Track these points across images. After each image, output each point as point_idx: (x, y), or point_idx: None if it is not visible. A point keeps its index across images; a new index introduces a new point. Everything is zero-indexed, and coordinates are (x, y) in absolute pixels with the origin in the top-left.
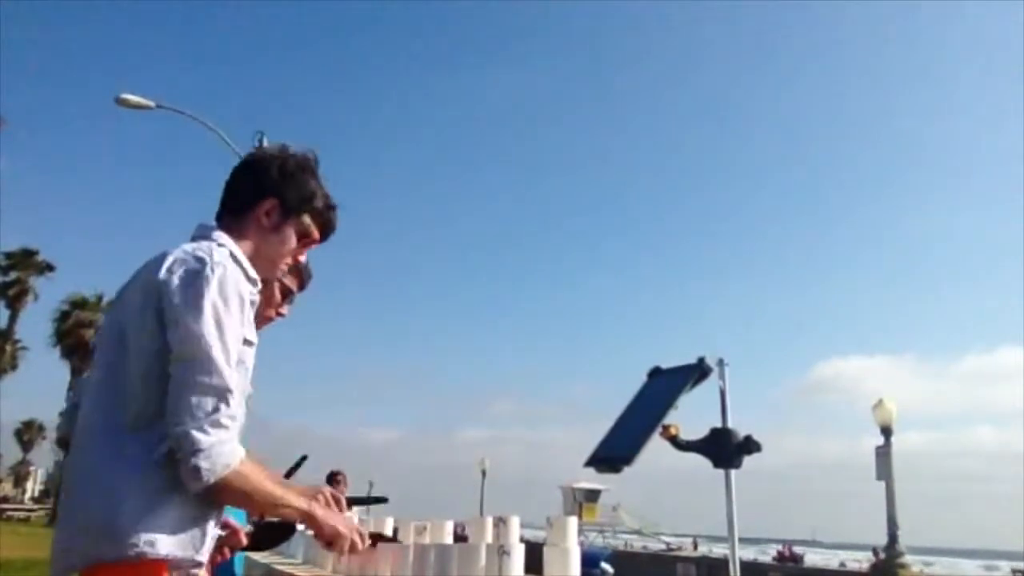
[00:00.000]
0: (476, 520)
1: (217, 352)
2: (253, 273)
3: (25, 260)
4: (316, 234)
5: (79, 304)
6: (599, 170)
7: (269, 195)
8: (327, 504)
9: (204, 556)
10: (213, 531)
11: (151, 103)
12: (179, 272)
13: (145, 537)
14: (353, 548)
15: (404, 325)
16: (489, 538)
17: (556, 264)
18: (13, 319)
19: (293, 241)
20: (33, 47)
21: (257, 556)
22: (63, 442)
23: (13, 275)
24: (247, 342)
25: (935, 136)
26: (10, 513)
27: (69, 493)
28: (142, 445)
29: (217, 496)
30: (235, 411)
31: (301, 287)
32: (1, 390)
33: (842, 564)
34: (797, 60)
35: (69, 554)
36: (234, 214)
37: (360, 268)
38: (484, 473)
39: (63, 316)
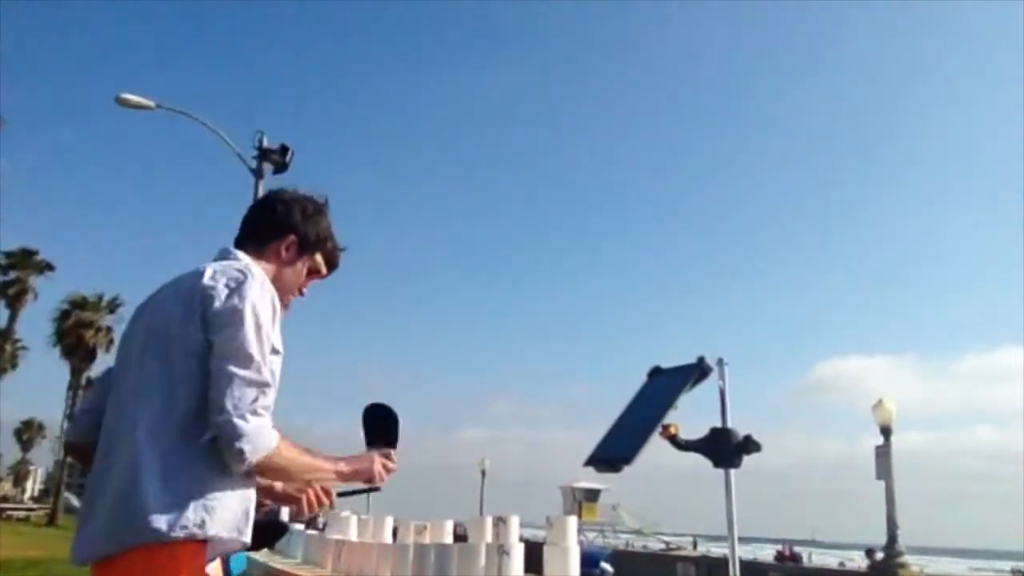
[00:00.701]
0: (476, 520)
1: (256, 350)
2: (275, 293)
3: (25, 260)
4: (324, 271)
5: (79, 304)
6: (599, 170)
7: (291, 232)
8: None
9: (247, 536)
10: (252, 513)
11: (151, 103)
12: (223, 280)
13: (194, 519)
14: (387, 473)
15: (404, 325)
16: (489, 538)
17: (556, 264)
18: (13, 319)
19: (303, 274)
20: (33, 47)
21: (257, 556)
22: (73, 448)
23: (13, 275)
24: (275, 351)
25: (936, 137)
26: (10, 513)
27: (105, 490)
28: (191, 441)
29: (260, 474)
30: (270, 402)
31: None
32: (1, 390)
33: (841, 564)
34: (798, 60)
35: (103, 539)
36: (256, 244)
37: (360, 268)
38: (484, 473)
39: (63, 316)
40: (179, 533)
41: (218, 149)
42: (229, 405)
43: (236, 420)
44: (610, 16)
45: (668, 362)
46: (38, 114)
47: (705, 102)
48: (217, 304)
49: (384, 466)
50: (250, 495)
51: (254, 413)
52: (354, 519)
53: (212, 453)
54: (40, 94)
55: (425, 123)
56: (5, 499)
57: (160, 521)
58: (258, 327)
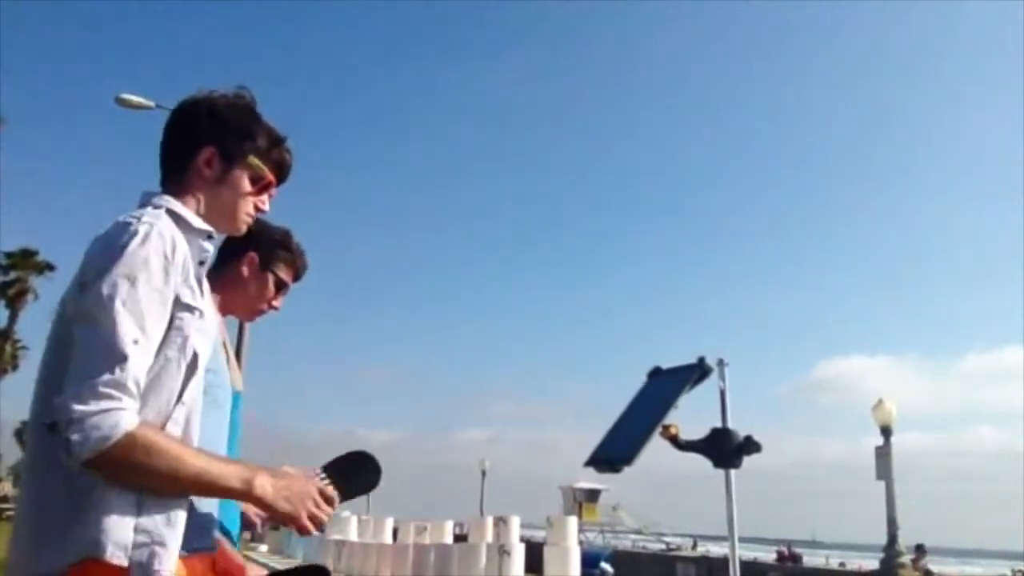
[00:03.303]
0: (476, 520)
1: (117, 314)
2: (201, 224)
3: (25, 260)
4: (270, 176)
5: None
6: (600, 170)
7: (205, 144)
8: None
9: (169, 559)
10: (179, 527)
11: (151, 103)
12: (102, 239)
13: (90, 539)
14: (316, 523)
15: (404, 325)
16: (489, 538)
17: (556, 264)
18: (13, 319)
19: (245, 186)
20: (33, 47)
21: (257, 556)
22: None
23: (13, 275)
24: (186, 307)
25: (938, 137)
26: (10, 513)
27: (19, 499)
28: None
29: (106, 473)
30: (128, 379)
31: (296, 278)
32: (1, 390)
33: (841, 564)
34: (800, 59)
35: (16, 568)
36: (175, 174)
37: (360, 268)
38: (484, 473)
39: None
40: (72, 558)
41: None
42: (70, 383)
43: (69, 402)
44: (611, 15)
45: (668, 362)
46: (38, 114)
47: (707, 100)
48: (90, 266)
49: (320, 510)
50: (171, 504)
51: (94, 393)
52: (354, 519)
53: (49, 440)
54: (40, 94)
55: (425, 122)
56: (5, 499)
57: (47, 545)
58: (130, 283)
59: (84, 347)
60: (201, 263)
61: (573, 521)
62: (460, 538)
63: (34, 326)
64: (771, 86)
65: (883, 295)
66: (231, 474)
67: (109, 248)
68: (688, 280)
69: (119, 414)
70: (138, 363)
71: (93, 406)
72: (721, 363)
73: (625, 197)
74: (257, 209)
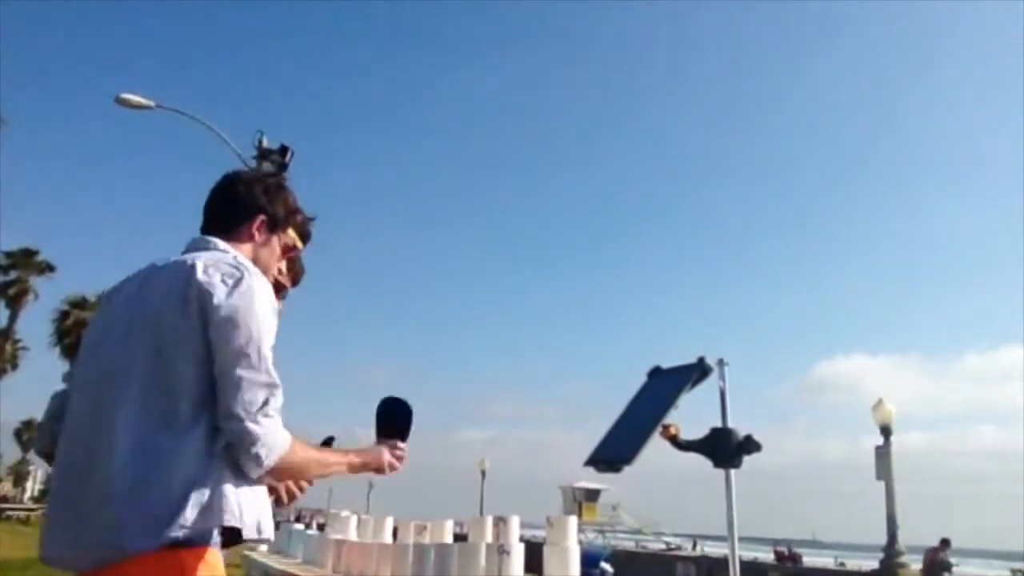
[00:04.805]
0: (476, 520)
1: (266, 350)
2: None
3: (25, 260)
4: (300, 245)
5: (79, 304)
6: (601, 170)
7: (259, 211)
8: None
9: (268, 533)
10: (269, 512)
11: (151, 103)
12: (218, 276)
13: (195, 520)
14: (397, 463)
15: (404, 325)
16: (489, 538)
17: (556, 265)
18: (13, 319)
19: (279, 252)
20: (33, 47)
21: (256, 556)
22: (49, 456)
23: (13, 275)
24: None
25: (938, 137)
26: (10, 513)
27: (89, 484)
28: (193, 438)
29: (275, 475)
30: (280, 401)
31: (295, 283)
32: (1, 389)
33: (841, 564)
34: (799, 60)
35: (101, 547)
36: (224, 229)
37: (360, 269)
38: (484, 473)
39: (63, 316)
40: (179, 534)
41: (218, 149)
42: (240, 410)
43: (249, 425)
44: (612, 13)
45: (668, 362)
46: (39, 114)
47: (708, 101)
48: (217, 301)
49: (394, 455)
50: (260, 492)
51: (266, 415)
52: (354, 519)
53: (224, 456)
54: (41, 94)
55: (425, 122)
56: (5, 499)
57: (163, 524)
58: (264, 324)
59: (245, 381)
60: None
61: (573, 521)
62: (460, 538)
63: (34, 326)
64: (772, 87)
65: (883, 295)
66: (336, 456)
67: (240, 290)
68: (688, 280)
69: (284, 430)
70: (280, 390)
71: (269, 426)
72: (721, 363)
73: (625, 198)
74: (279, 270)
